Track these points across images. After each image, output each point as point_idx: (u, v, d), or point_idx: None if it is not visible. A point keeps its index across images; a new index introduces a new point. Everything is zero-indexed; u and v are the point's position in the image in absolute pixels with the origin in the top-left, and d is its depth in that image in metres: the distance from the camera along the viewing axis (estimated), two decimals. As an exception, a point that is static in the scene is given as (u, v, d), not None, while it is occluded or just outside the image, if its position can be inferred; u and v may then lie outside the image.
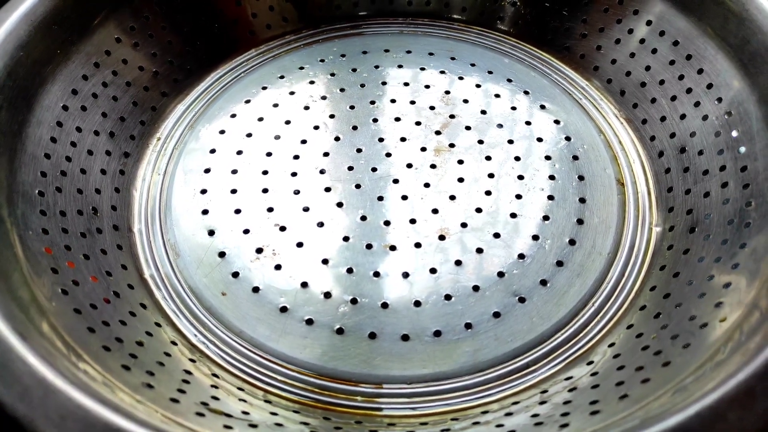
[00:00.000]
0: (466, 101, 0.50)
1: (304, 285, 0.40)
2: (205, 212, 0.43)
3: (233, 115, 0.49)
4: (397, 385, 0.36)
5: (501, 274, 0.40)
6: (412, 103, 0.50)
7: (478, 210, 0.43)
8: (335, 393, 0.36)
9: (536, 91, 0.50)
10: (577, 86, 0.51)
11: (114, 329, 0.34)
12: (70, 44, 0.43)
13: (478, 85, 0.51)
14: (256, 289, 0.40)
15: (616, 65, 0.49)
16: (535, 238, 0.42)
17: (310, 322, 0.38)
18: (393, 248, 0.41)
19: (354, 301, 0.39)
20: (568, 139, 0.47)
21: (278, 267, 0.40)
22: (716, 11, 0.42)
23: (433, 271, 0.40)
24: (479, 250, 0.41)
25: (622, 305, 0.39)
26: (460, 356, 0.37)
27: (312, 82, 0.51)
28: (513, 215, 0.43)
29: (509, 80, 0.51)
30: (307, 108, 0.49)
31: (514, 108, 0.49)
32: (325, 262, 0.41)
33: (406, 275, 0.40)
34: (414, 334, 0.38)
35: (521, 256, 0.41)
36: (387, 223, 0.42)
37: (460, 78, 0.51)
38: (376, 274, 0.40)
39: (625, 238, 0.42)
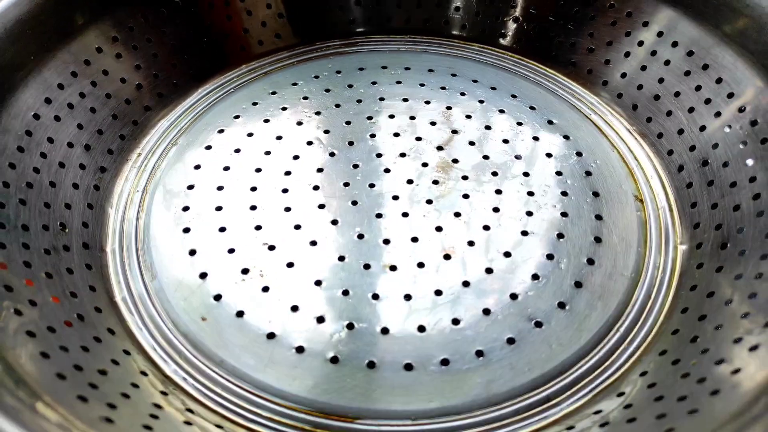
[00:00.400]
0: (468, 117, 0.47)
1: (295, 309, 0.35)
2: (186, 230, 0.39)
3: (221, 131, 0.46)
4: (400, 421, 0.31)
5: (514, 296, 0.36)
6: (412, 118, 0.47)
7: (486, 227, 0.39)
8: (329, 431, 0.31)
9: (543, 107, 0.48)
10: (586, 102, 0.48)
11: (73, 355, 0.29)
12: (45, 51, 0.40)
13: (481, 101, 0.48)
14: (240, 314, 0.35)
15: (627, 79, 0.47)
16: (550, 257, 0.38)
17: (300, 349, 0.34)
18: (393, 268, 0.37)
19: (350, 326, 0.35)
20: (579, 154, 0.44)
21: (266, 289, 0.36)
22: (732, 18, 0.40)
23: (438, 293, 0.36)
24: (488, 270, 0.37)
25: (652, 329, 0.35)
26: (472, 388, 0.32)
27: (306, 98, 0.48)
28: (524, 233, 0.39)
29: (514, 96, 0.49)
30: (300, 123, 0.46)
31: (520, 123, 0.46)
32: (318, 283, 0.36)
33: (408, 297, 0.36)
34: (418, 363, 0.33)
35: (535, 277, 0.37)
36: (386, 241, 0.39)
37: (462, 94, 0.49)
38: (375, 297, 0.36)
39: (648, 257, 0.38)
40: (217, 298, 0.36)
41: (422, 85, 0.49)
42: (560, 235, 0.39)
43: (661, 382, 0.30)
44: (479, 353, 0.34)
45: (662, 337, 0.34)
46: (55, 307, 0.31)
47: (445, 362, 0.33)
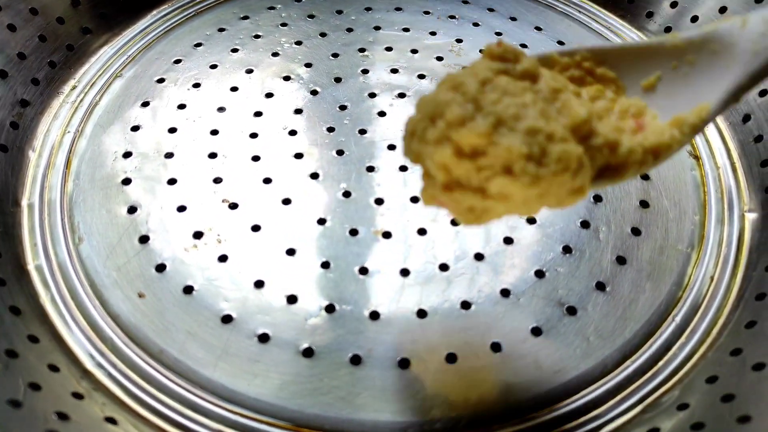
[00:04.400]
0: (482, 52, 0.38)
1: (259, 284, 0.28)
2: (126, 182, 0.31)
3: (177, 61, 0.37)
4: (392, 437, 0.24)
5: (540, 274, 0.28)
6: (414, 52, 0.38)
7: (505, 186, 0.31)
8: (298, 449, 0.24)
9: (573, 42, 0.39)
10: (626, 37, 0.40)
11: (-55, 347, 0.21)
12: (-57, -55, 0.31)
13: (498, 33, 0.39)
14: (188, 290, 0.27)
15: (678, 9, 0.38)
16: (585, 224, 0.30)
17: (264, 338, 0.26)
18: (387, 235, 0.29)
19: (330, 308, 0.27)
20: (619, 99, 0.36)
21: (223, 258, 0.28)
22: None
23: (443, 267, 0.28)
24: (507, 241, 0.29)
25: (716, 320, 0.27)
26: (486, 393, 0.25)
27: (284, 25, 0.39)
28: (552, 194, 0.31)
29: (538, 28, 0.40)
30: (275, 54, 0.38)
31: (546, 60, 0.38)
32: (290, 252, 0.29)
33: (405, 273, 0.28)
34: (417, 358, 0.26)
35: (567, 250, 0.29)
36: (379, 201, 0.31)
37: (475, 24, 0.40)
38: (363, 271, 0.28)
39: (708, 227, 0.31)
40: (160, 268, 0.28)
41: (427, 12, 0.41)
42: (597, 198, 0.31)
43: (743, 395, 0.22)
44: (496, 347, 0.26)
45: (733, 331, 0.26)
46: (-69, 279, 0.23)
47: (451, 358, 0.26)
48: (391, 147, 0.33)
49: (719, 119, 0.35)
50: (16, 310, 0.25)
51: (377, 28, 0.40)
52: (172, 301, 0.27)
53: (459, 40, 0.39)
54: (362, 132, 0.34)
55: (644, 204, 0.31)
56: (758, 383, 0.22)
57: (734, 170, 0.33)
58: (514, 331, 0.26)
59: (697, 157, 0.33)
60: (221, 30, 0.39)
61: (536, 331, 0.27)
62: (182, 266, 0.28)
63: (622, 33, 0.40)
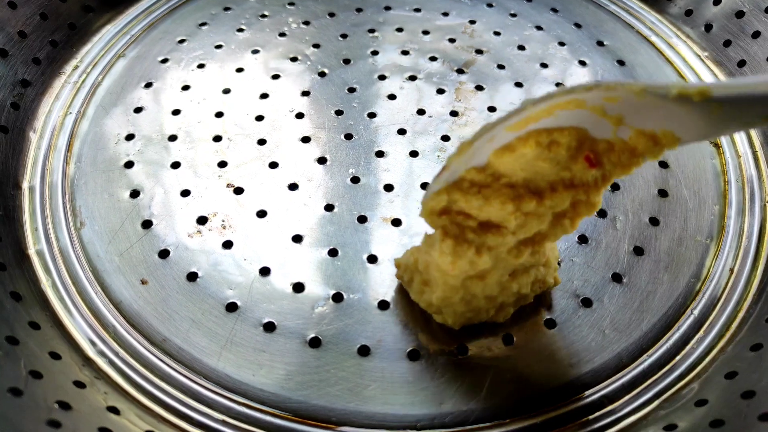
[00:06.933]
0: (497, 33, 0.37)
1: (265, 272, 0.27)
2: (128, 165, 0.30)
3: (181, 41, 0.36)
4: (400, 431, 0.23)
5: (554, 264, 0.27)
6: (426, 33, 0.37)
7: (518, 173, 0.30)
8: (304, 441, 0.23)
9: (591, 24, 0.38)
10: (644, 20, 0.38)
11: (-58, 334, 0.20)
12: None
13: (513, 15, 0.38)
14: (192, 276, 0.27)
15: (700, -9, 0.37)
16: (602, 213, 0.29)
17: (270, 327, 0.25)
18: (396, 223, 0.29)
19: (338, 297, 0.26)
20: (637, 84, 0.35)
21: (228, 245, 0.28)
22: None
23: (454, 256, 0.27)
24: (521, 229, 0.28)
25: (736, 314, 0.26)
26: (498, 387, 0.24)
27: (291, 4, 0.38)
28: (567, 182, 0.30)
29: (554, 10, 0.39)
30: (283, 35, 0.37)
31: (562, 43, 0.37)
32: (297, 239, 0.28)
33: (415, 262, 0.27)
34: (428, 349, 0.25)
35: (583, 239, 0.28)
36: (388, 187, 0.30)
37: (489, 5, 0.39)
38: (372, 259, 0.27)
39: (728, 217, 0.30)
40: (164, 254, 0.27)
41: (438, -8, 0.39)
42: (615, 186, 0.30)
43: (764, 392, 0.21)
44: (508, 339, 0.25)
45: (753, 326, 0.25)
46: (-72, 263, 0.23)
47: (462, 350, 0.25)
48: (401, 131, 0.32)
49: (741, 106, 0.34)
50: (16, 296, 0.25)
51: (388, 8, 0.38)
52: (176, 288, 0.26)
53: (472, 21, 0.38)
54: (371, 116, 0.33)
55: (663, 193, 0.30)
56: (782, 380, 0.22)
57: (756, 159, 0.32)
58: (528, 323, 0.26)
59: (717, 145, 0.32)
60: (227, 9, 0.38)
61: (550, 323, 0.26)
62: (186, 252, 0.27)
63: (641, 15, 0.39)
